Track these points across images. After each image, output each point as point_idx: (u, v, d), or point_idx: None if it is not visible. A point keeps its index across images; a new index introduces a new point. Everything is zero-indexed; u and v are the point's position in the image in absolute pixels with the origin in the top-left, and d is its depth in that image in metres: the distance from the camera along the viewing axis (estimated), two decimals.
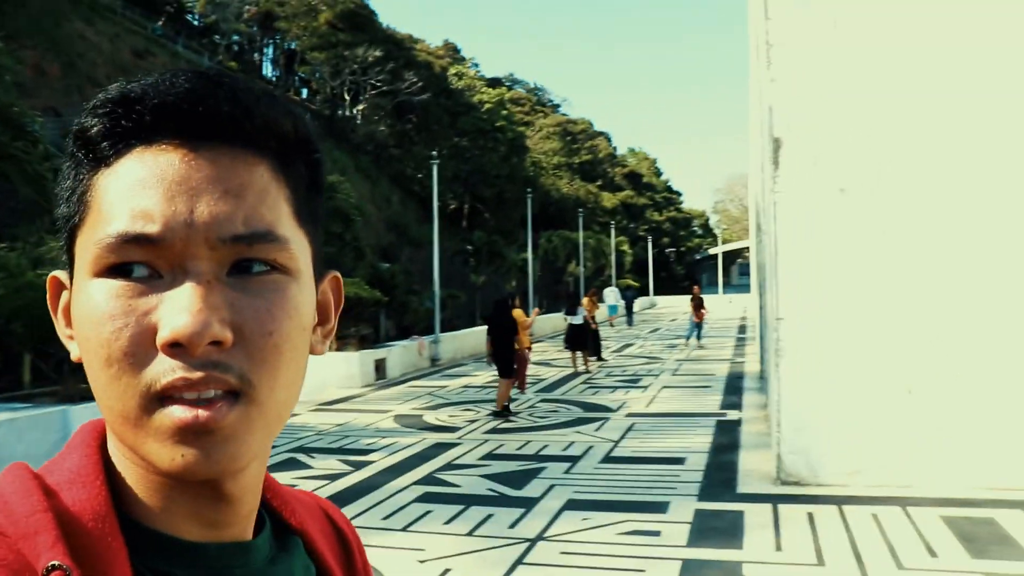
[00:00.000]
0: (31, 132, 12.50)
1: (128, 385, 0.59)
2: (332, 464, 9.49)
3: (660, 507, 7.19)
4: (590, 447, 10.02)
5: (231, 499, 0.66)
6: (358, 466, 9.34)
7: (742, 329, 32.28)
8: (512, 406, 13.74)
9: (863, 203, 7.62)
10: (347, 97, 55.25)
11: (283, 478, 8.79)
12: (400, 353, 19.70)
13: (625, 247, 66.35)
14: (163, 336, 0.58)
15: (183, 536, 0.65)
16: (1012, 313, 7.36)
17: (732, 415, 12.05)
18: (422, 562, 5.96)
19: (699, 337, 25.04)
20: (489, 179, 56.83)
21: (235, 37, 55.76)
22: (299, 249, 0.65)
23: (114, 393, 0.59)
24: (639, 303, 50.57)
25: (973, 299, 7.43)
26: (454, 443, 10.61)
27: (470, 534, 6.62)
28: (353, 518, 7.17)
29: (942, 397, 7.46)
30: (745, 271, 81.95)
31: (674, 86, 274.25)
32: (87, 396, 10.75)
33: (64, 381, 11.15)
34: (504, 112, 60.48)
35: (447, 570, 5.77)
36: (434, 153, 25.06)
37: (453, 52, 73.57)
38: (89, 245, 0.61)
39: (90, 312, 0.60)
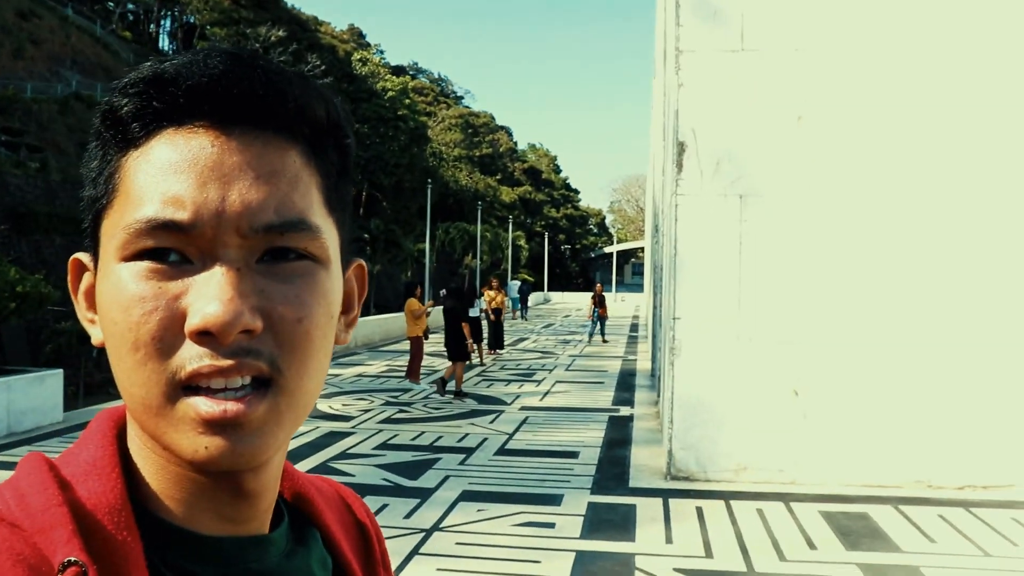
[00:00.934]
0: None
1: (154, 371, 0.57)
2: None
3: (554, 500, 7.30)
4: (484, 439, 10.08)
5: (251, 495, 0.65)
6: None
7: (634, 328, 32.94)
8: (407, 396, 13.73)
9: (762, 208, 7.90)
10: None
11: None
12: None
13: (522, 242, 66.85)
14: (193, 324, 0.57)
15: (200, 530, 0.63)
16: (893, 318, 7.75)
17: (624, 411, 12.30)
18: None
19: (603, 333, 25.55)
20: (388, 167, 56.33)
21: (130, 6, 53.76)
22: (329, 237, 0.64)
23: (139, 379, 0.58)
24: (533, 298, 51.00)
25: (857, 304, 7.79)
26: (348, 432, 10.52)
27: None
28: None
29: (824, 399, 7.81)
30: (638, 271, 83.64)
31: (577, 85, 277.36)
32: None
33: None
34: (407, 101, 59.96)
35: None
36: None
37: (358, 37, 72.74)
38: (117, 229, 0.59)
39: (118, 296, 0.58)
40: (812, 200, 7.84)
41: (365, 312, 35.97)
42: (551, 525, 6.54)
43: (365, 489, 7.64)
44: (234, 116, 0.60)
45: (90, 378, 21.41)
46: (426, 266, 37.71)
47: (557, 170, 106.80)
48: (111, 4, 51.11)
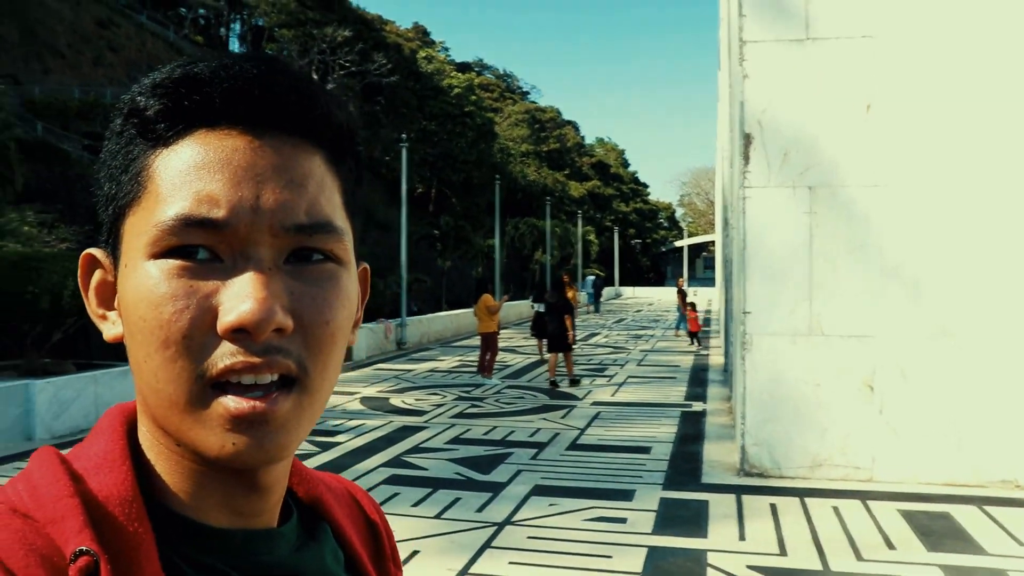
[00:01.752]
0: None
1: (184, 368, 0.58)
2: None
3: (626, 495, 7.30)
4: (556, 434, 10.12)
5: (263, 488, 0.66)
6: (325, 447, 9.36)
7: (707, 322, 32.60)
8: (479, 391, 13.83)
9: (832, 198, 7.76)
10: (315, 76, 54.69)
11: None
12: (366, 336, 19.65)
13: (592, 236, 66.59)
14: (228, 321, 0.58)
15: (210, 523, 0.65)
16: (974, 309, 7.54)
17: (697, 406, 12.21)
18: None
19: (679, 327, 25.25)
20: (457, 164, 56.67)
21: (201, 11, 55.04)
22: (350, 241, 0.67)
23: (166, 376, 0.59)
24: (604, 293, 50.81)
25: (935, 295, 7.61)
26: (421, 426, 10.66)
27: (438, 517, 6.69)
28: None
29: (902, 394, 7.64)
30: (710, 264, 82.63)
31: (644, 78, 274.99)
32: (50, 371, 10.65)
33: (27, 355, 11.02)
34: (473, 97, 60.21)
35: (415, 552, 5.83)
36: (403, 136, 24.92)
37: (423, 35, 73.16)
38: (147, 226, 0.60)
39: (148, 293, 0.59)
40: (884, 189, 7.67)
41: (436, 308, 36.32)
42: (623, 520, 6.54)
43: (438, 483, 7.75)
44: (267, 120, 0.62)
45: None
46: (496, 262, 37.84)
47: (625, 164, 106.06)
48: (183, 10, 52.39)
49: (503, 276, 42.05)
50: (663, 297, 56.16)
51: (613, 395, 13.44)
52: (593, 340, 24.38)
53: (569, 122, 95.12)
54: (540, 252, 52.49)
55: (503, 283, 38.41)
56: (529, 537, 6.15)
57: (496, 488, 7.56)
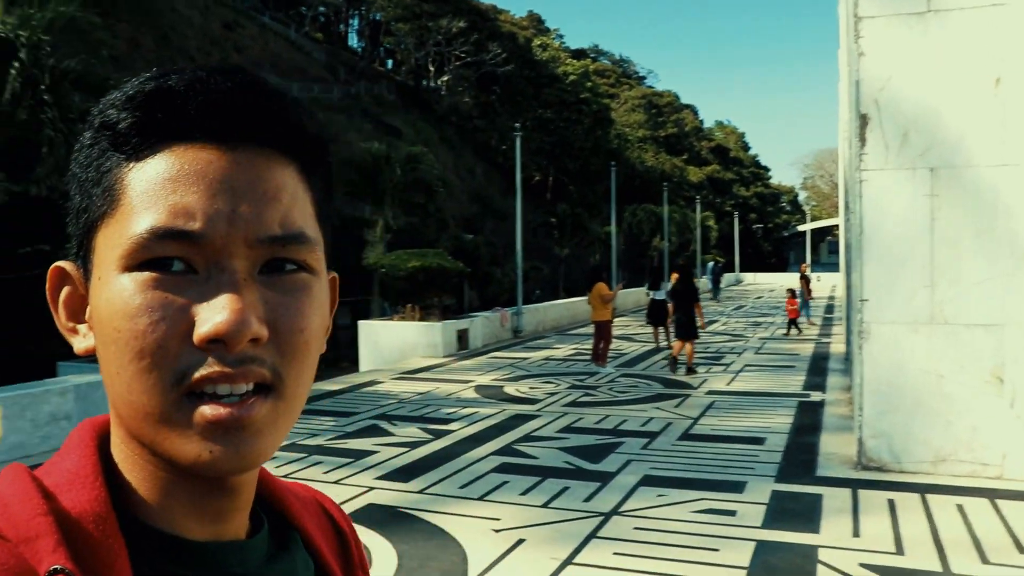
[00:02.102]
0: None
1: (159, 379, 0.59)
2: (413, 432, 9.69)
3: (737, 487, 7.16)
4: (668, 423, 10.01)
5: (231, 489, 0.66)
6: (438, 435, 9.52)
7: (829, 308, 31.61)
8: (592, 380, 13.81)
9: (956, 180, 7.38)
10: (431, 68, 55.61)
11: (364, 443, 9.03)
12: (482, 324, 19.86)
13: (711, 222, 65.38)
14: (203, 332, 0.58)
15: (184, 534, 0.65)
16: None
17: (815, 396, 11.86)
18: (497, 531, 6.08)
19: (806, 313, 24.37)
20: (573, 151, 56.53)
21: (321, 9, 56.49)
22: (321, 250, 0.67)
23: (141, 387, 0.59)
24: (724, 279, 49.86)
25: None
26: (533, 415, 10.71)
27: (545, 506, 6.71)
28: (431, 486, 7.34)
29: None
30: (834, 249, 79.92)
31: (764, 59, 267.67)
32: None
33: None
34: (588, 84, 59.87)
35: (521, 540, 5.87)
36: (517, 125, 25.00)
37: (537, 23, 73.24)
38: (120, 239, 0.60)
39: (123, 305, 0.59)
40: (1016, 169, 7.24)
41: (553, 295, 36.40)
42: (732, 513, 6.42)
43: (547, 471, 7.78)
44: (240, 133, 0.62)
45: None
46: (613, 249, 37.61)
47: (745, 147, 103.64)
48: (304, 9, 53.88)
49: (620, 263, 41.79)
50: (785, 283, 54.67)
51: (729, 384, 13.19)
52: (711, 328, 23.97)
53: (687, 106, 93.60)
54: (658, 238, 51.92)
55: (620, 270, 38.17)
56: (635, 528, 6.11)
57: (605, 478, 7.54)
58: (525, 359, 17.05)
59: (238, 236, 0.60)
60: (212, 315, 0.58)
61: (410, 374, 14.89)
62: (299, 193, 0.65)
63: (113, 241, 0.61)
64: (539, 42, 62.52)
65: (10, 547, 0.57)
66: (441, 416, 10.70)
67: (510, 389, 13.00)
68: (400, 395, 12.47)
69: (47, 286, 0.67)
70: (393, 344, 17.55)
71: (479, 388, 13.13)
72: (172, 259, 0.60)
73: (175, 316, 0.59)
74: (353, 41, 64.08)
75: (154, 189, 0.60)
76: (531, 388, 13.09)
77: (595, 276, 15.72)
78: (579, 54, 75.04)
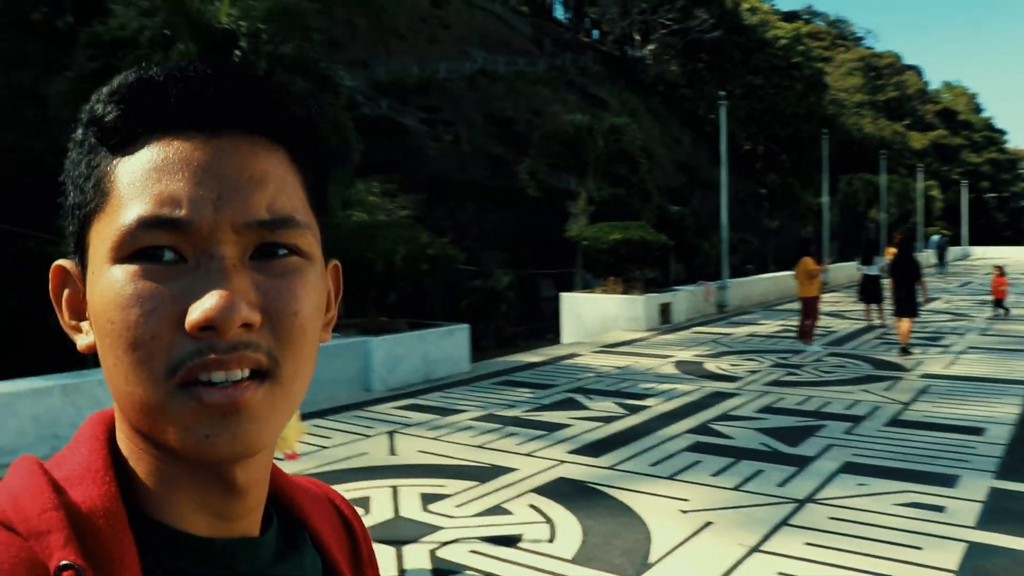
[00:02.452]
0: (336, 83, 13.53)
1: (154, 368, 0.59)
2: (608, 406, 9.69)
3: (948, 480, 6.68)
4: (876, 408, 9.47)
5: (240, 489, 0.66)
6: (633, 410, 9.47)
7: None
8: (797, 359, 13.30)
9: None
10: (637, 37, 54.86)
11: (559, 416, 9.13)
12: (686, 298, 19.56)
13: (935, 191, 60.93)
14: (194, 319, 0.58)
15: (192, 530, 0.65)
16: None
17: None
18: (684, 512, 5.98)
19: None
20: (784, 119, 54.23)
21: None
22: (314, 235, 0.66)
23: (137, 377, 0.60)
24: (950, 253, 46.50)
25: None
26: (732, 393, 10.45)
27: (737, 489, 6.54)
28: (622, 462, 7.32)
29: None
30: None
31: (1002, 15, 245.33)
32: (385, 329, 11.71)
33: (367, 314, 12.18)
34: (800, 48, 57.13)
35: (708, 523, 5.74)
36: (722, 93, 24.27)
37: None
38: (110, 231, 0.61)
39: (114, 296, 0.60)
40: None
41: (762, 269, 35.24)
42: (940, 509, 5.99)
43: (741, 453, 7.57)
44: (223, 120, 0.63)
45: (501, 332, 23.37)
46: (825, 221, 35.91)
47: (978, 110, 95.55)
48: None
49: (834, 236, 39.88)
50: (1019, 258, 50.24)
51: (947, 367, 12.31)
52: (931, 306, 22.44)
53: (910, 67, 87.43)
54: (875, 210, 49.03)
55: (833, 243, 36.40)
56: (831, 518, 5.82)
57: (802, 462, 7.24)
58: (728, 335, 16.65)
59: (224, 222, 0.61)
60: (202, 302, 0.59)
61: (610, 347, 14.89)
62: (288, 178, 0.65)
63: (104, 234, 0.62)
64: (748, 5, 60.22)
65: (20, 541, 0.58)
66: (638, 391, 10.64)
67: (710, 365, 12.74)
68: (599, 369, 12.50)
69: (50, 285, 0.68)
70: (595, 317, 17.59)
71: (679, 364, 12.95)
72: (162, 249, 0.60)
73: (166, 305, 0.59)
74: (559, 12, 64.24)
75: (140, 180, 0.61)
76: (732, 365, 12.77)
77: (802, 250, 15.09)
78: (791, 16, 71.60)
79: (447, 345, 12.02)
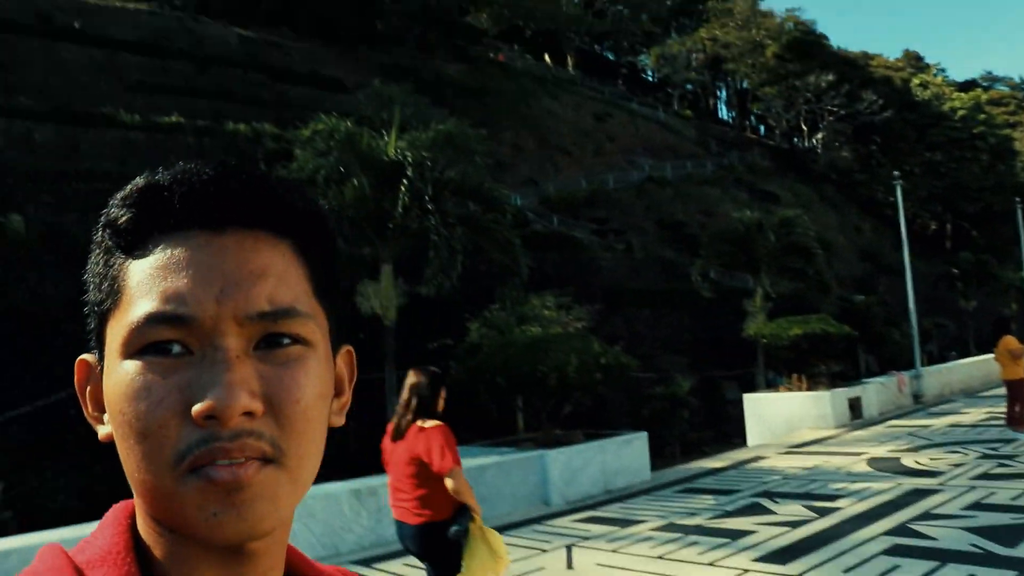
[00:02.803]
0: (501, 203, 14.01)
1: (164, 457, 0.62)
2: (796, 510, 9.19)
3: None
4: None
5: (252, 554, 0.68)
6: (823, 512, 8.94)
7: None
8: (1009, 448, 12.23)
9: None
10: (804, 127, 54.13)
11: (744, 523, 8.74)
12: (877, 390, 18.53)
13: None
14: (198, 409, 0.61)
15: None
16: None
17: None
18: None
19: None
20: (970, 193, 51.52)
21: (688, 87, 57.61)
22: (318, 323, 0.69)
23: (148, 466, 0.63)
24: None
25: None
26: (934, 489, 9.69)
27: None
28: (811, 569, 6.88)
29: None
30: None
31: None
32: (562, 441, 11.67)
33: (542, 427, 12.22)
34: (982, 116, 54.54)
35: None
36: (896, 172, 23.40)
37: (915, 61, 68.43)
38: (122, 327, 0.65)
39: (125, 389, 0.64)
40: None
41: (964, 353, 32.94)
42: None
43: (947, 555, 6.96)
44: (225, 218, 0.66)
45: (685, 438, 22.78)
46: None
47: None
48: (669, 90, 55.29)
49: None
50: None
51: None
52: None
53: None
54: None
55: None
56: None
57: (1021, 565, 6.57)
58: (927, 427, 15.56)
59: (227, 315, 0.64)
60: (205, 392, 0.62)
61: (797, 448, 14.22)
62: (290, 270, 0.68)
63: (116, 330, 0.66)
64: (918, 81, 58.39)
65: None
66: (828, 492, 10.05)
67: (908, 461, 11.90)
68: (785, 471, 11.92)
69: (75, 379, 0.73)
70: (780, 417, 16.92)
71: (872, 461, 12.17)
72: (170, 343, 0.64)
73: (174, 396, 0.62)
74: (722, 112, 64.47)
75: (149, 279, 0.65)
76: (932, 459, 11.88)
77: (1001, 328, 14.07)
78: (967, 86, 68.64)
79: (626, 454, 11.83)
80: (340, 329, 0.75)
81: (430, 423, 4.65)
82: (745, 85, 58.31)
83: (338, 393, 0.75)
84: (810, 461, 12.61)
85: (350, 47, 39.33)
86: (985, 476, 10.28)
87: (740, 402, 18.68)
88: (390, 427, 4.85)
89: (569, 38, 56.66)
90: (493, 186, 14.55)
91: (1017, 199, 34.60)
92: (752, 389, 20.53)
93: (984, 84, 75.74)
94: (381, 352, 14.59)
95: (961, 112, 54.18)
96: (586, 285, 26.82)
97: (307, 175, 12.85)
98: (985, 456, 11.76)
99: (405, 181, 12.43)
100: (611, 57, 65.44)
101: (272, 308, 0.66)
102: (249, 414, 0.63)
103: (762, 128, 64.30)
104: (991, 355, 16.68)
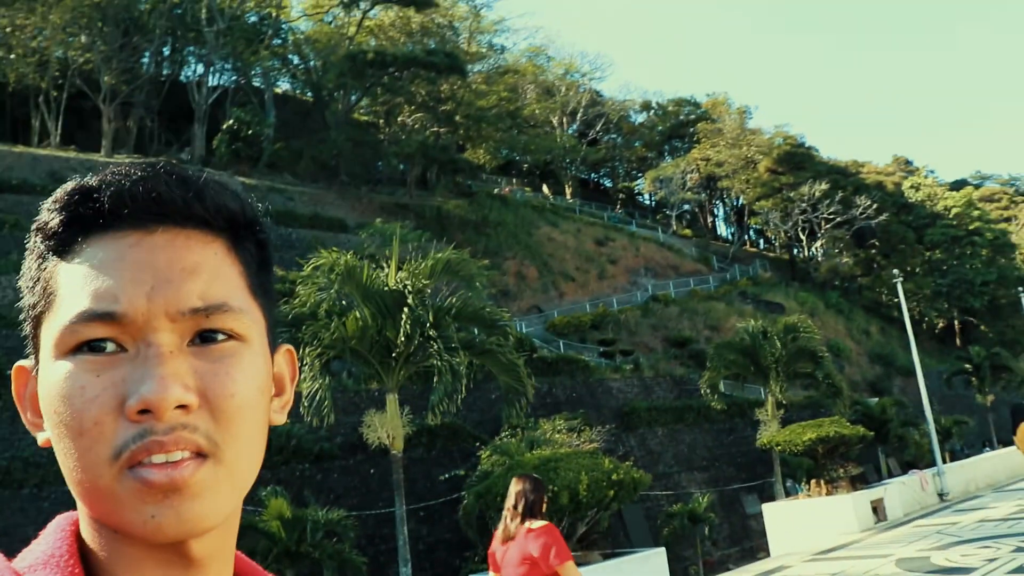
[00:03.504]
0: (502, 327, 14.08)
1: (99, 455, 0.61)
2: None
3: None
4: None
5: (197, 562, 0.66)
6: None
7: None
8: None
9: None
10: (803, 237, 54.69)
11: None
12: (899, 491, 18.14)
13: None
14: (131, 404, 0.61)
15: None
16: None
17: None
18: None
19: None
20: (975, 288, 51.61)
21: (685, 206, 58.62)
22: (253, 319, 0.69)
23: (85, 465, 0.62)
24: None
25: None
26: None
27: None
28: None
29: None
30: None
31: None
32: (579, 562, 11.36)
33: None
34: (976, 212, 55.22)
35: None
36: (895, 271, 23.55)
37: (904, 165, 69.74)
38: (55, 329, 0.65)
39: (60, 389, 0.63)
40: None
41: (988, 448, 32.29)
42: None
43: None
44: (155, 217, 0.67)
45: (709, 556, 22.15)
46: None
47: None
48: (667, 211, 56.29)
49: None
50: None
51: None
52: None
53: None
54: None
55: None
56: None
57: None
58: (954, 524, 15.15)
59: (159, 311, 0.64)
60: (138, 387, 0.62)
61: (822, 554, 13.83)
62: (224, 267, 0.69)
63: (50, 332, 0.66)
64: (910, 183, 59.35)
65: None
66: None
67: (938, 559, 11.55)
68: None
69: (13, 386, 0.72)
70: (801, 524, 16.49)
71: (900, 561, 11.82)
72: (104, 341, 0.64)
73: (108, 393, 0.62)
74: (721, 228, 65.32)
75: (81, 279, 0.65)
76: (964, 556, 11.53)
77: (1019, 416, 13.92)
78: (958, 185, 69.75)
79: (644, 572, 11.50)
80: (277, 328, 0.76)
81: (538, 523, 4.78)
82: (741, 200, 59.31)
83: (279, 392, 0.76)
84: (835, 567, 12.26)
85: (351, 189, 40.32)
86: (1020, 570, 9.97)
87: (761, 514, 18.25)
88: (496, 533, 5.03)
89: (565, 168, 58.07)
90: (494, 310, 14.66)
91: (1021, 289, 34.60)
92: (772, 499, 20.09)
93: (975, 182, 77.00)
94: (390, 485, 14.38)
95: (955, 210, 54.87)
96: (597, 407, 26.62)
97: (309, 310, 13.00)
98: (1019, 549, 11.43)
99: (406, 309, 12.56)
100: (608, 184, 66.91)
101: (204, 304, 0.66)
102: (183, 408, 0.63)
103: (761, 241, 65.06)
104: (1011, 448, 16.43)
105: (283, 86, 49.05)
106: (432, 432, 20.62)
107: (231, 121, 37.58)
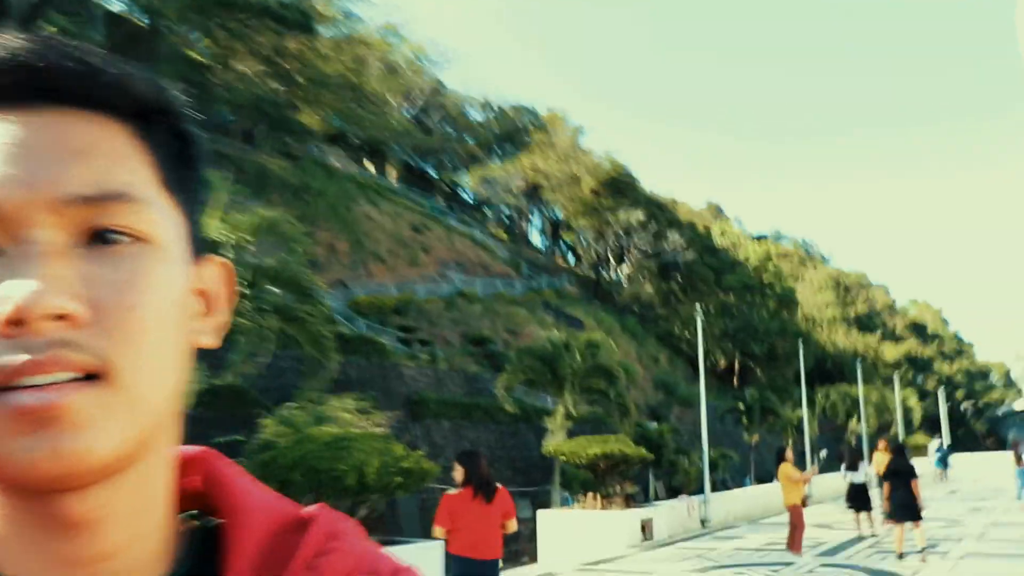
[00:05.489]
0: (316, 298, 13.61)
1: None
2: None
3: None
4: None
5: (80, 525, 0.52)
6: None
7: None
8: (788, 571, 12.61)
9: None
10: (612, 260, 56.70)
11: None
12: (667, 513, 18.90)
13: (912, 401, 61.23)
14: (1, 313, 0.48)
15: None
16: None
17: None
18: None
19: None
20: (758, 335, 55.28)
21: (504, 209, 59.45)
22: (163, 217, 0.56)
23: None
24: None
25: None
26: None
27: None
28: None
29: None
30: None
31: (957, 230, 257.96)
32: None
33: None
34: (771, 267, 59.25)
35: None
36: (698, 305, 24.67)
37: (716, 212, 73.87)
38: None
39: None
40: None
41: (744, 483, 34.44)
42: None
43: None
44: (41, 93, 0.53)
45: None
46: (806, 433, 35.60)
47: (945, 323, 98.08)
48: (487, 211, 56.89)
49: (814, 448, 39.46)
50: (997, 465, 49.56)
51: (950, 572, 11.65)
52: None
53: (878, 285, 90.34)
54: (855, 420, 48.94)
55: (813, 455, 35.99)
56: None
57: None
58: (713, 549, 15.91)
59: (38, 200, 0.51)
60: (8, 292, 0.49)
61: (590, 566, 14.13)
62: (127, 153, 0.55)
63: None
64: (719, 229, 62.92)
65: None
66: None
67: None
68: None
69: None
70: (573, 535, 16.84)
71: None
72: None
73: None
74: (535, 239, 66.65)
75: None
76: None
77: (779, 458, 14.85)
78: (759, 239, 74.71)
79: (419, 562, 11.29)
80: (203, 236, 0.61)
81: None
82: (560, 215, 60.76)
83: (211, 311, 0.62)
84: None
85: None
86: None
87: (532, 519, 18.53)
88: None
89: (394, 149, 57.50)
90: (312, 278, 14.14)
91: (801, 344, 37.28)
92: (546, 507, 20.44)
93: (773, 239, 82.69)
94: None
95: (753, 262, 58.63)
96: (387, 392, 26.32)
97: None
98: None
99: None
100: (433, 173, 66.88)
101: (97, 191, 0.52)
102: (67, 320, 0.49)
103: (571, 257, 66.94)
104: (770, 485, 17.50)
105: (118, 5, 45.77)
106: (215, 392, 19.66)
107: (53, 29, 34.65)
